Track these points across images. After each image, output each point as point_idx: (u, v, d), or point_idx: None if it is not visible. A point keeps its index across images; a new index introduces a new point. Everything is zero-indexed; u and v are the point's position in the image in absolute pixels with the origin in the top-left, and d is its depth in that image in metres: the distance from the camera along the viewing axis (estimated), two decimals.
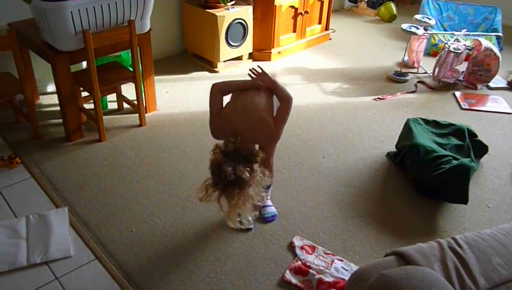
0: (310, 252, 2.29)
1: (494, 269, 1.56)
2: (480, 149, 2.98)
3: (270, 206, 2.52)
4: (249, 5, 3.98)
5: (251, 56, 4.22)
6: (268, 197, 2.53)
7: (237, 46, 4.01)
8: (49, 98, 3.50)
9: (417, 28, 3.95)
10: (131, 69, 3.17)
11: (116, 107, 3.41)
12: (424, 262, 1.52)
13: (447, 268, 1.53)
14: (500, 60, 3.87)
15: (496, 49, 3.88)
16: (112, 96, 3.40)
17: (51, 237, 2.29)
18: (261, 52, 4.22)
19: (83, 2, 2.58)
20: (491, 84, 4.00)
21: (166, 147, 3.02)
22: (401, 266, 1.45)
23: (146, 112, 3.29)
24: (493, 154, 3.09)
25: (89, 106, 3.23)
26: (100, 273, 2.14)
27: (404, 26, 3.98)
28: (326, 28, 4.75)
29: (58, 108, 3.24)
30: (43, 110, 3.36)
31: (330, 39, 4.81)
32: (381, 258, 1.64)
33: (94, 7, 2.64)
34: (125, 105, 3.38)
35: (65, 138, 3.05)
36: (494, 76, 3.96)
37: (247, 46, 4.10)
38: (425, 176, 2.65)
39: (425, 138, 2.82)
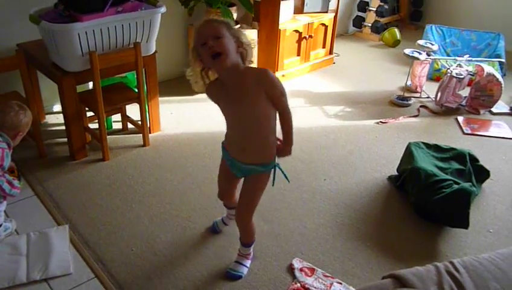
0: (309, 274, 2.29)
1: None
2: (482, 174, 2.98)
3: (244, 266, 2.30)
4: (254, 28, 4.05)
5: None
6: (250, 257, 2.33)
7: None
8: (55, 118, 3.55)
9: (420, 53, 4.00)
10: (137, 90, 3.23)
11: (121, 127, 3.45)
12: (421, 285, 1.52)
13: None
14: (503, 85, 3.90)
15: (498, 75, 3.91)
16: (117, 116, 3.44)
17: (51, 254, 2.30)
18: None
19: (90, 24, 2.64)
20: (493, 110, 4.02)
21: (169, 167, 3.04)
22: (397, 289, 1.45)
23: (150, 132, 3.32)
24: (495, 180, 3.09)
25: (93, 125, 3.27)
26: None
27: (407, 51, 4.03)
28: (330, 52, 4.81)
29: (63, 127, 3.28)
30: (48, 129, 3.40)
31: (334, 63, 4.87)
32: (378, 280, 1.64)
33: (101, 29, 2.71)
34: (130, 125, 3.42)
35: (69, 156, 3.08)
36: (496, 101, 3.98)
37: None
38: (425, 200, 2.65)
39: (426, 162, 2.83)
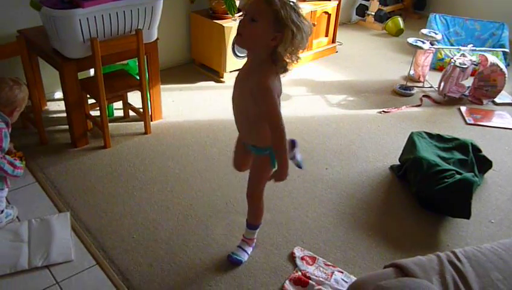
0: (311, 263, 2.29)
1: (493, 283, 1.55)
2: (485, 164, 2.97)
3: (245, 252, 2.30)
4: None
5: None
6: (252, 244, 2.35)
7: (244, 57, 4.04)
8: (57, 105, 3.54)
9: (423, 43, 3.97)
10: (138, 77, 3.21)
11: (122, 114, 3.44)
12: (422, 275, 1.52)
13: (445, 282, 1.53)
14: (507, 75, 3.87)
15: (502, 65, 3.88)
16: (118, 104, 3.43)
17: (52, 241, 2.30)
18: None
19: (92, 10, 2.62)
20: (496, 100, 3.99)
21: (171, 155, 3.04)
22: (398, 278, 1.45)
23: (151, 120, 3.31)
24: (498, 170, 3.08)
25: (95, 112, 3.26)
26: (100, 278, 2.15)
27: (410, 40, 4.00)
28: (333, 41, 4.78)
29: (65, 114, 3.27)
30: (50, 116, 3.39)
31: (337, 52, 4.84)
32: (380, 270, 1.64)
33: (102, 15, 2.68)
34: (131, 113, 3.41)
35: (71, 144, 3.07)
36: (500, 92, 3.95)
37: None
38: (427, 189, 2.65)
39: (428, 152, 2.82)
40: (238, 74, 1.92)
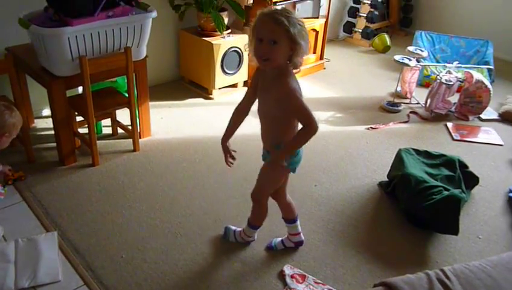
0: (301, 281, 2.28)
1: None
2: (471, 180, 3.00)
3: (241, 238, 2.51)
4: (244, 33, 4.05)
5: (246, 84, 4.27)
6: (250, 239, 2.51)
7: (232, 74, 4.07)
8: (44, 122, 3.52)
9: (410, 60, 4.02)
10: (127, 95, 3.21)
11: (111, 132, 3.43)
12: None
13: None
14: (491, 92, 3.94)
15: (487, 82, 3.95)
16: (107, 121, 3.42)
17: (39, 261, 2.27)
18: None
19: (81, 28, 2.62)
20: (482, 116, 4.05)
21: (159, 173, 3.03)
22: None
23: (140, 137, 3.30)
24: (484, 186, 3.11)
25: (83, 130, 3.25)
26: None
27: (397, 57, 4.05)
28: (321, 58, 4.83)
29: (52, 132, 3.25)
30: (37, 133, 3.37)
31: (324, 68, 4.88)
32: (370, 288, 1.64)
33: (91, 34, 2.69)
34: (120, 130, 3.40)
35: (58, 161, 3.05)
36: (485, 108, 4.01)
37: (242, 74, 4.16)
38: (416, 206, 2.66)
39: (416, 168, 2.84)
40: (262, 83, 2.03)
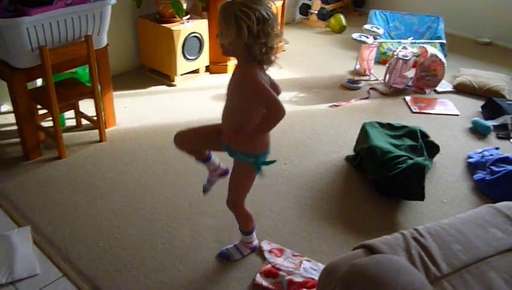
0: (279, 255, 2.34)
1: (455, 254, 1.66)
2: (433, 149, 3.13)
3: (239, 252, 2.35)
4: (203, 19, 4.04)
5: (208, 69, 4.27)
6: (251, 246, 2.36)
7: (194, 60, 4.05)
8: (4, 118, 3.41)
9: (367, 37, 4.13)
10: (89, 85, 3.16)
11: (75, 123, 3.37)
12: (390, 252, 1.60)
13: (412, 256, 1.62)
14: (446, 65, 4.09)
15: (441, 55, 4.11)
16: (69, 114, 3.35)
17: (15, 256, 2.23)
18: (217, 65, 4.28)
19: (39, 17, 2.56)
20: (438, 89, 4.22)
21: (129, 161, 3.01)
22: (370, 256, 1.52)
23: (106, 128, 3.26)
24: (444, 154, 3.25)
25: (46, 123, 3.17)
26: (70, 289, 2.11)
27: (355, 35, 4.15)
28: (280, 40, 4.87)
29: (13, 127, 3.18)
30: None
31: (284, 50, 4.93)
32: (350, 251, 1.71)
33: (50, 23, 2.63)
34: (84, 121, 3.34)
35: (23, 156, 2.98)
36: (440, 81, 4.17)
37: (204, 59, 4.15)
38: (383, 176, 2.76)
39: (381, 140, 2.94)
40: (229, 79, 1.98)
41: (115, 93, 3.49)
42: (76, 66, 3.03)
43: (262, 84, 1.82)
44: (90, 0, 2.77)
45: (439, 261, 1.62)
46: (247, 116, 1.95)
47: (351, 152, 3.18)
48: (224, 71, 4.29)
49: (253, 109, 1.93)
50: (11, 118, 3.25)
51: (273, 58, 1.87)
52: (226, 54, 1.88)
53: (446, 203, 2.82)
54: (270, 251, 2.36)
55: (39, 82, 3.35)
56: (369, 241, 1.66)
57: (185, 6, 3.81)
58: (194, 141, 2.24)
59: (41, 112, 3.11)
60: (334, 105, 3.87)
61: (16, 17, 2.51)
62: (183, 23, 3.86)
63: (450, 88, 4.28)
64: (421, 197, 2.69)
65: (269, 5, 1.78)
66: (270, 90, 1.84)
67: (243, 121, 1.97)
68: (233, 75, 1.96)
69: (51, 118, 2.93)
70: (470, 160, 3.18)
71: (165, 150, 3.14)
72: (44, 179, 2.81)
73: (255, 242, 2.37)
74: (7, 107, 3.45)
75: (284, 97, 3.92)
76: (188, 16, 3.93)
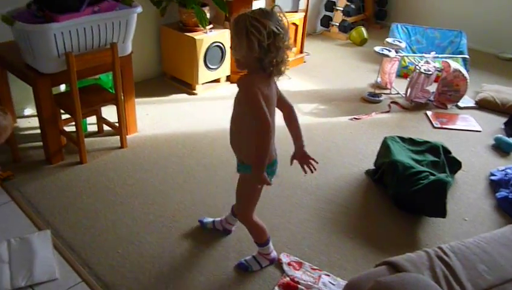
0: (297, 268, 2.32)
1: (480, 275, 1.63)
2: (454, 165, 3.09)
3: (258, 263, 2.32)
4: (225, 28, 4.06)
5: (229, 78, 4.29)
6: (269, 257, 2.33)
7: (215, 69, 4.07)
8: (27, 122, 3.46)
9: (389, 51, 4.11)
10: (112, 91, 3.19)
11: (96, 129, 3.40)
12: (414, 270, 1.58)
13: (436, 275, 1.59)
14: (468, 80, 4.05)
15: (463, 71, 4.06)
16: (91, 119, 3.38)
17: (34, 260, 2.25)
18: (238, 74, 4.26)
19: (67, 24, 2.60)
20: (460, 104, 4.17)
21: (149, 168, 3.02)
22: (396, 274, 1.50)
23: (127, 134, 3.28)
24: (466, 170, 3.20)
25: (68, 128, 3.21)
26: None
27: (377, 49, 4.13)
28: (301, 51, 4.88)
29: (36, 131, 3.22)
30: (20, 133, 3.31)
31: (305, 62, 4.93)
32: (373, 268, 1.69)
33: (77, 30, 2.66)
34: (105, 127, 3.37)
35: (45, 160, 3.01)
36: (462, 96, 4.13)
37: (225, 69, 4.17)
38: (404, 191, 2.73)
39: (403, 155, 2.92)
40: None
41: (136, 100, 3.51)
42: (100, 72, 3.06)
43: (256, 96, 1.84)
44: (116, 8, 2.80)
45: (464, 281, 1.59)
46: (248, 126, 1.94)
47: (371, 166, 3.16)
48: None
49: (247, 117, 1.95)
50: (34, 122, 3.30)
51: (283, 69, 1.89)
52: (239, 67, 1.91)
53: (468, 221, 2.77)
54: (288, 264, 2.34)
55: (62, 87, 3.40)
56: (393, 259, 1.64)
57: (208, 15, 3.83)
58: None
59: (64, 116, 3.15)
60: (354, 118, 3.85)
61: (44, 23, 2.55)
62: (206, 32, 3.88)
63: (472, 104, 4.23)
64: (442, 214, 2.65)
65: (280, 18, 1.80)
66: (260, 104, 1.85)
67: (245, 132, 1.98)
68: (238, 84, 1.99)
69: (73, 123, 2.97)
70: (493, 177, 3.13)
71: (185, 158, 3.15)
72: (65, 183, 2.83)
73: (273, 253, 2.35)
74: (30, 110, 3.50)
75: (304, 109, 3.95)
76: (211, 26, 3.96)
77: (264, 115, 1.85)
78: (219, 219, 2.54)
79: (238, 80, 1.95)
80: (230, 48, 1.89)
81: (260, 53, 1.77)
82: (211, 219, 2.56)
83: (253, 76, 1.89)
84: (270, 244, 2.33)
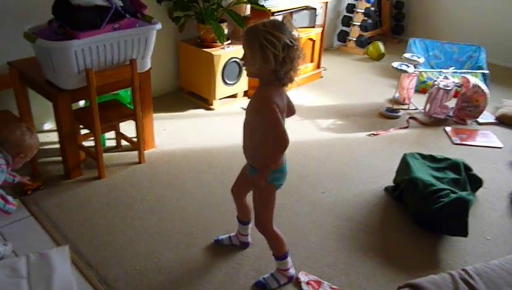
0: (316, 287, 2.29)
1: None
2: (475, 183, 3.03)
3: (276, 281, 2.29)
4: None
5: (246, 94, 4.29)
6: (287, 274, 2.31)
7: (233, 84, 4.09)
8: (46, 136, 3.49)
9: (407, 66, 4.08)
10: (130, 107, 3.21)
11: (115, 144, 3.42)
12: None
13: None
14: (488, 96, 4.00)
15: (483, 86, 4.02)
16: (109, 134, 3.41)
17: (53, 275, 2.24)
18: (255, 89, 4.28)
19: (87, 41, 2.63)
20: (479, 120, 4.12)
21: (167, 184, 3.02)
22: None
23: (145, 149, 3.29)
24: (488, 188, 3.15)
25: (87, 143, 3.23)
26: None
27: (395, 64, 4.11)
28: (318, 66, 4.88)
29: (55, 146, 3.25)
30: (40, 148, 3.31)
31: (322, 77, 4.93)
32: None
33: (98, 46, 2.69)
34: (124, 142, 3.39)
35: (64, 175, 3.03)
36: (482, 112, 4.08)
37: (242, 84, 4.18)
38: (424, 209, 2.68)
39: (423, 172, 2.87)
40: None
41: (154, 115, 3.54)
42: (119, 88, 3.08)
43: (275, 113, 1.87)
44: (136, 25, 2.83)
45: None
46: (261, 135, 1.98)
47: (390, 182, 3.12)
48: None
49: (266, 130, 1.97)
50: (53, 136, 3.33)
51: (294, 77, 1.92)
52: (251, 76, 1.94)
53: (490, 240, 2.71)
54: (307, 283, 2.31)
55: (82, 102, 3.43)
56: (416, 281, 1.60)
57: (226, 31, 3.85)
58: (238, 184, 2.35)
59: (83, 131, 3.17)
60: (372, 134, 3.82)
61: (65, 40, 2.59)
62: (223, 48, 3.90)
63: (492, 119, 4.17)
64: (464, 233, 2.60)
65: (291, 29, 1.83)
66: (279, 121, 1.89)
67: (258, 139, 2.01)
68: (253, 95, 2.00)
69: (92, 138, 2.99)
70: None
71: (202, 173, 3.14)
72: (83, 198, 2.84)
73: (292, 270, 2.32)
74: (50, 125, 3.54)
75: (321, 124, 3.93)
76: (229, 41, 3.98)
77: (284, 133, 1.89)
78: (234, 233, 2.53)
79: (255, 94, 1.96)
80: (241, 59, 1.91)
81: (275, 65, 1.81)
82: (226, 235, 2.55)
83: (269, 89, 1.91)
84: (289, 259, 2.30)
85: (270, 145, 1.95)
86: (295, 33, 1.84)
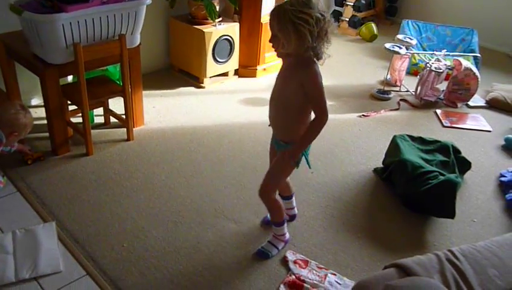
0: (303, 266, 2.30)
1: (491, 280, 1.60)
2: (464, 165, 3.05)
3: (275, 247, 2.37)
4: (235, 21, 4.02)
5: (237, 72, 4.25)
6: (283, 239, 2.40)
7: (224, 63, 4.04)
8: (33, 112, 3.42)
9: (400, 48, 4.06)
10: (119, 83, 3.16)
11: (103, 121, 3.38)
12: (424, 274, 1.55)
13: (446, 279, 1.56)
14: (479, 79, 4.00)
15: (475, 69, 4.01)
16: (98, 111, 3.36)
17: (39, 252, 2.23)
18: (246, 68, 4.25)
19: (75, 14, 2.57)
20: (470, 103, 4.12)
21: (155, 162, 3.00)
22: (406, 277, 1.47)
23: (134, 127, 3.26)
24: (476, 171, 3.16)
25: (75, 119, 3.19)
26: (92, 289, 2.10)
27: (388, 45, 4.08)
28: None
29: (42, 122, 3.19)
30: None
31: None
32: (381, 270, 1.66)
33: (86, 20, 2.63)
34: (112, 119, 3.35)
35: (51, 151, 3.00)
36: (473, 95, 4.08)
37: (233, 63, 4.13)
38: (413, 191, 2.70)
39: (412, 154, 2.88)
40: (280, 71, 2.07)
41: (143, 92, 3.49)
42: (108, 64, 3.03)
43: (322, 89, 1.95)
44: (125, 0, 2.77)
45: (474, 286, 1.56)
46: (298, 110, 2.02)
47: (379, 164, 3.12)
48: (253, 75, 4.26)
49: (305, 105, 2.01)
50: (41, 112, 3.28)
51: (325, 49, 1.94)
52: (283, 57, 1.99)
53: (476, 222, 2.74)
54: (294, 262, 2.32)
55: (70, 78, 3.38)
56: (402, 261, 1.61)
57: (217, 8, 3.79)
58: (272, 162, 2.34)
59: (71, 107, 3.13)
60: (363, 115, 3.81)
61: (52, 13, 2.53)
62: (215, 25, 3.84)
63: (482, 103, 4.18)
64: (451, 215, 2.62)
65: (318, 5, 1.83)
66: (325, 98, 1.96)
67: (293, 114, 2.04)
68: (288, 68, 2.00)
69: (80, 115, 2.95)
70: (502, 179, 3.09)
71: (192, 152, 3.13)
72: (71, 175, 2.82)
73: (287, 234, 2.40)
74: (37, 100, 3.49)
75: None
76: (220, 19, 3.92)
77: (327, 111, 1.97)
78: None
79: (306, 73, 1.94)
80: (273, 43, 1.91)
81: (312, 42, 1.82)
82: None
83: (315, 66, 1.94)
84: (286, 225, 2.37)
85: (305, 122, 2.02)
86: (321, 6, 1.85)
